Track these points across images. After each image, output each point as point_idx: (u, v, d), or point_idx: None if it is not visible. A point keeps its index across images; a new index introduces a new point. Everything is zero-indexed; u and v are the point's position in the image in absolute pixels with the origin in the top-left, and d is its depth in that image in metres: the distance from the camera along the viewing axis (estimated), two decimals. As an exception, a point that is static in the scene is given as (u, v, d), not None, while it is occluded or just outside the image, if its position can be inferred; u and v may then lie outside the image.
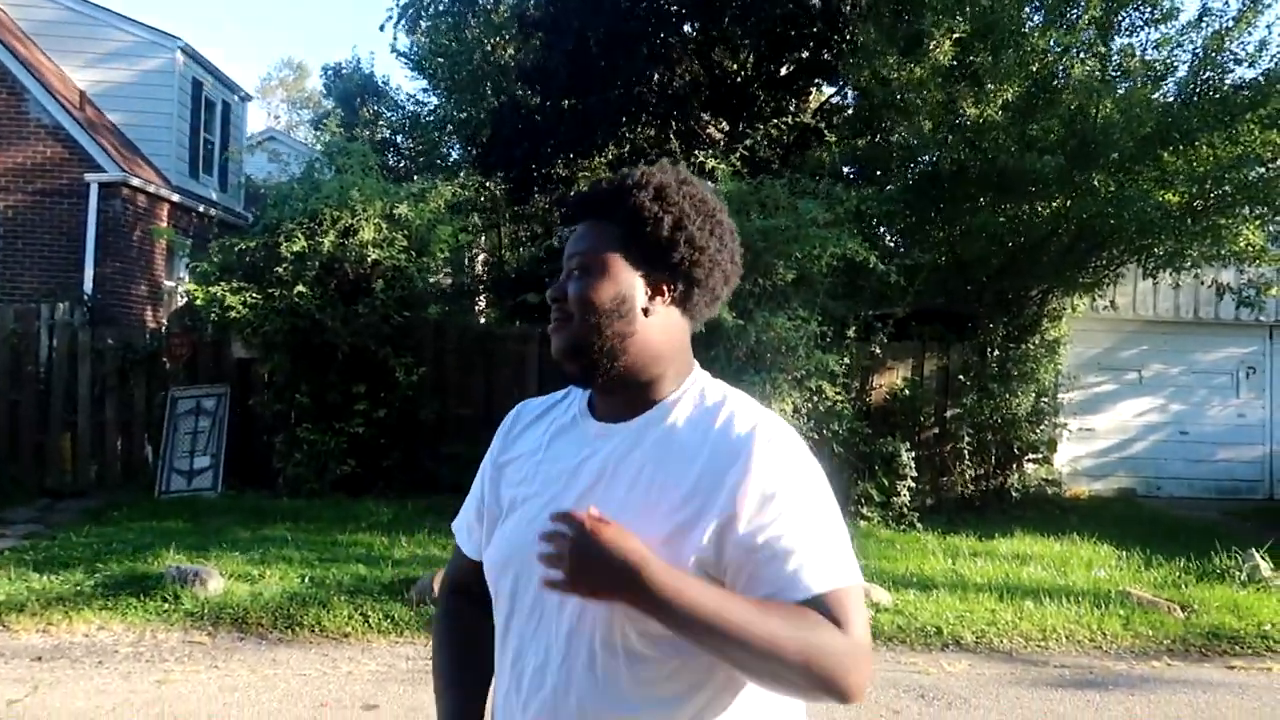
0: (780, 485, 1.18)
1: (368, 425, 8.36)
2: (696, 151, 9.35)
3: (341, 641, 5.25)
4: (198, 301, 8.05)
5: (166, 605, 5.50)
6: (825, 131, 12.39)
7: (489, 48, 18.81)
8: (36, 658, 4.89)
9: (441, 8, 19.92)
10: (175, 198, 12.91)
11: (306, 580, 5.93)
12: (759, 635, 1.08)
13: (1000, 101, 8.28)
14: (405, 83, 22.63)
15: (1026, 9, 8.92)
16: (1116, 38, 8.99)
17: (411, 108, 21.77)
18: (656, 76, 13.28)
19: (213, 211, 13.99)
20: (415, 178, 13.61)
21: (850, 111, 13.31)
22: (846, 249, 7.36)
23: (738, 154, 8.25)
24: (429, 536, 7.02)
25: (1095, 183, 8.51)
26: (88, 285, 11.31)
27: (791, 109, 14.04)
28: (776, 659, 1.09)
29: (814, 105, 14.83)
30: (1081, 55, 8.65)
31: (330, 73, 23.30)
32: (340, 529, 7.28)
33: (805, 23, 13.07)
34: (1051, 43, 8.47)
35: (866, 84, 10.23)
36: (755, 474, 1.17)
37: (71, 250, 11.50)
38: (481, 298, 14.10)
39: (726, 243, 1.31)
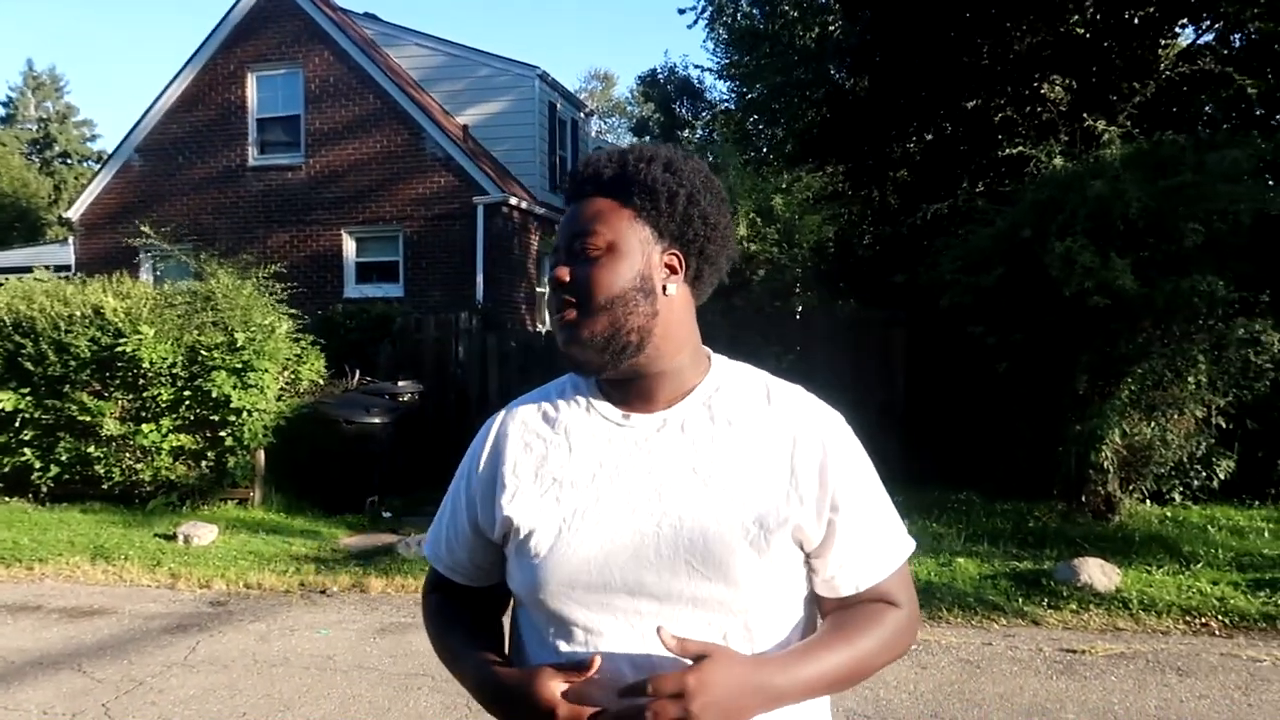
0: (851, 470, 1.21)
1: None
2: (1028, 114, 8.70)
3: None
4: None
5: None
6: (1198, 78, 11.22)
7: (803, 31, 18.86)
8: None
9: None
10: (540, 211, 14.30)
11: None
12: (857, 672, 1.17)
13: None
14: (719, 81, 23.28)
15: None
16: None
17: (727, 104, 22.43)
18: (991, 43, 12.71)
19: (570, 222, 15.30)
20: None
21: (1229, 51, 11.94)
22: (1267, 203, 6.68)
23: (1125, 113, 7.73)
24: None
25: None
26: (479, 295, 12.83)
27: (1150, 58, 12.85)
28: (867, 675, 1.20)
29: (1174, 52, 13.46)
30: None
31: (645, 80, 24.57)
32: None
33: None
34: None
35: (1252, 17, 9.19)
36: (834, 460, 1.19)
37: (464, 265, 13.10)
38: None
39: (730, 223, 1.28)
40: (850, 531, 1.19)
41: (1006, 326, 7.07)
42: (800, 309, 8.90)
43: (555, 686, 1.07)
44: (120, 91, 61.96)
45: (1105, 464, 6.67)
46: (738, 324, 8.65)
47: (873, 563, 1.22)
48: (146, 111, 14.29)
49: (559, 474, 1.20)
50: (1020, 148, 7.53)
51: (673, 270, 1.21)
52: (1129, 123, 8.08)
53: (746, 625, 1.15)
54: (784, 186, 8.82)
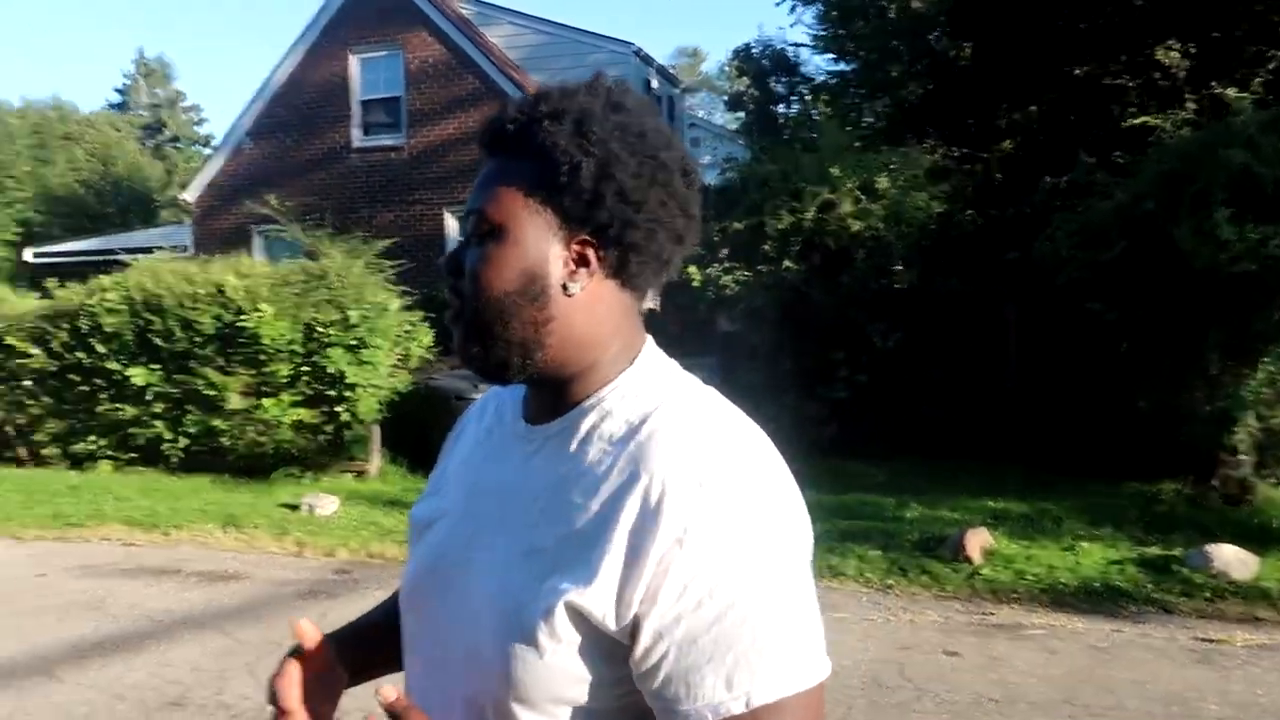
0: (707, 559, 0.82)
1: (849, 390, 8.72)
2: (1144, 83, 8.15)
3: (886, 592, 5.58)
4: (694, 282, 8.89)
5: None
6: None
7: (900, 1, 18.37)
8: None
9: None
10: (637, 189, 14.33)
11: (835, 533, 6.36)
12: None
13: None
14: (815, 55, 22.82)
15: None
16: None
17: (824, 78, 22.01)
18: (1105, 4, 12.16)
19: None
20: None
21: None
22: None
23: (1260, 79, 7.33)
24: (936, 497, 7.20)
25: None
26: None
27: (1277, 20, 12.13)
28: None
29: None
30: None
31: (739, 54, 24.26)
32: (840, 489, 7.69)
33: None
34: None
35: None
36: (671, 536, 0.82)
37: (561, 244, 13.19)
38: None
39: (676, 191, 0.91)
40: (675, 630, 0.82)
41: (1128, 303, 6.83)
42: (905, 286, 8.75)
43: (291, 683, 0.96)
44: (223, 76, 64.23)
45: (1240, 447, 6.40)
46: (844, 302, 8.57)
47: (705, 686, 0.82)
48: (255, 96, 14.76)
49: (448, 477, 1.06)
50: (1144, 118, 7.22)
51: (583, 262, 0.91)
52: (1262, 88, 7.66)
53: (499, 711, 0.88)
54: (890, 165, 8.66)
